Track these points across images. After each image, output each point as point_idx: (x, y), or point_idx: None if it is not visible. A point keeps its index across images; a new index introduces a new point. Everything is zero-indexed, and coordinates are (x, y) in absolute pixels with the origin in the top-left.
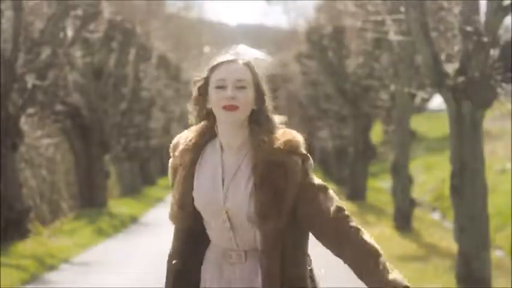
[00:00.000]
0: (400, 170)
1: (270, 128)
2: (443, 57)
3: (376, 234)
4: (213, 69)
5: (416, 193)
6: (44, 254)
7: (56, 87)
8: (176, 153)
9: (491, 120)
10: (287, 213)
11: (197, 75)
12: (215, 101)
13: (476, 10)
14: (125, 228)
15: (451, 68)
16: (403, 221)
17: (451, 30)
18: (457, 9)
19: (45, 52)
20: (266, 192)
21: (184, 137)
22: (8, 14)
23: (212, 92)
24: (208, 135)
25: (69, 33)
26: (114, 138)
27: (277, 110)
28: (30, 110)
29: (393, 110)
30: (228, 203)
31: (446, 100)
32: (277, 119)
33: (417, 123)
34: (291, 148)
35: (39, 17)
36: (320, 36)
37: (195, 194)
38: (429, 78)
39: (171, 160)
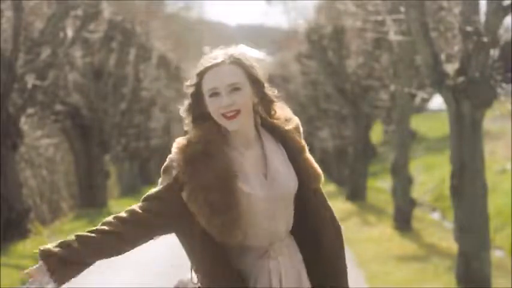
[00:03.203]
0: (400, 170)
1: (274, 107)
2: (443, 57)
3: (376, 234)
4: (202, 74)
5: (416, 193)
6: None
7: (56, 87)
8: (196, 173)
9: (491, 120)
10: None
11: (187, 82)
12: (213, 110)
13: (476, 10)
14: None
15: (451, 68)
16: (403, 221)
17: (451, 30)
18: (457, 9)
19: (45, 52)
20: (307, 156)
21: (192, 150)
22: (8, 14)
23: (208, 101)
24: (219, 134)
25: (69, 33)
26: (114, 138)
27: None
28: (30, 110)
29: (393, 110)
30: (278, 191)
31: (446, 100)
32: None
33: (417, 123)
34: (290, 114)
35: (39, 17)
36: (320, 36)
37: (246, 198)
38: (429, 78)
39: (194, 184)
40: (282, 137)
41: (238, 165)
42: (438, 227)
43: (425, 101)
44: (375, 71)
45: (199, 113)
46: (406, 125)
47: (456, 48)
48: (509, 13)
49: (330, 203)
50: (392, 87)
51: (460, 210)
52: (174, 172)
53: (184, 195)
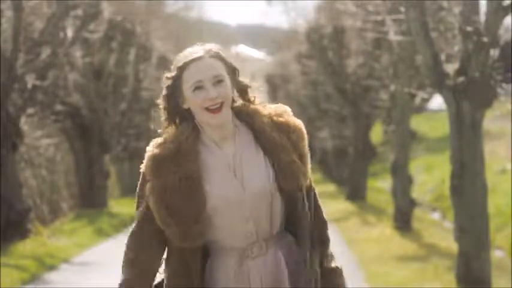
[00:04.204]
0: (400, 170)
1: (249, 92)
2: (443, 57)
3: (376, 234)
4: (183, 68)
5: (416, 193)
6: (44, 254)
7: (56, 87)
8: (162, 173)
9: (491, 120)
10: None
11: (167, 74)
12: (197, 103)
13: (476, 10)
14: (124, 228)
15: (451, 68)
16: (403, 221)
17: (451, 30)
18: (457, 9)
19: (45, 52)
20: (289, 153)
21: (164, 149)
22: (8, 14)
23: (190, 95)
24: (192, 135)
25: (69, 33)
26: (114, 138)
27: None
28: (30, 110)
29: (393, 110)
30: (250, 190)
31: (446, 100)
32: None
33: (417, 123)
34: (286, 110)
35: (39, 17)
36: (320, 36)
37: (213, 200)
38: (429, 78)
39: (156, 182)
40: (259, 134)
41: (208, 165)
42: (438, 227)
43: (425, 101)
44: (375, 71)
45: (175, 109)
46: (406, 125)
47: (456, 48)
48: (509, 13)
49: (330, 203)
50: (392, 87)
51: (460, 210)
52: (142, 170)
53: (147, 192)
